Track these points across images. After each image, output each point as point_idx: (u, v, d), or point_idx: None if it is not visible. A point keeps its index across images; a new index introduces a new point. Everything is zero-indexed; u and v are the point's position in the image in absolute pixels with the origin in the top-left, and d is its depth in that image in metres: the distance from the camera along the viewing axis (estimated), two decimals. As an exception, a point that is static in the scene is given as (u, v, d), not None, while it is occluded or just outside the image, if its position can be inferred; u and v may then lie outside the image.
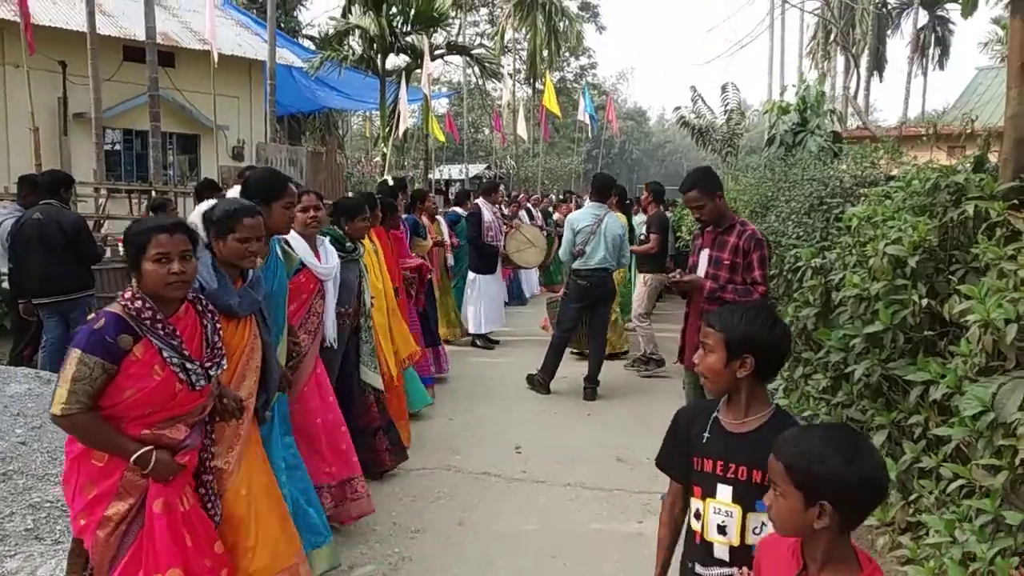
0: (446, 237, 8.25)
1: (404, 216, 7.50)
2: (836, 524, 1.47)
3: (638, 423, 5.79)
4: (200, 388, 2.40)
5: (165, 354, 2.30)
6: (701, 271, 4.20)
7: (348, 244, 4.28)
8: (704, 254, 4.22)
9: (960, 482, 2.95)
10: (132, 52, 14.19)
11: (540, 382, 6.58)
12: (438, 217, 8.34)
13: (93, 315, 2.34)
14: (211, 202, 3.00)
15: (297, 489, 3.24)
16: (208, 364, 2.43)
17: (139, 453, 2.30)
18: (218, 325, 2.55)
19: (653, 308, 7.68)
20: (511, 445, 5.22)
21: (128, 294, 2.34)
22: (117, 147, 16.04)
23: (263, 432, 3.04)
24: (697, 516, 1.98)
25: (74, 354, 2.21)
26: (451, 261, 8.50)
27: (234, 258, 2.77)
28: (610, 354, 7.48)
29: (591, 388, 6.48)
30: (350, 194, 9.09)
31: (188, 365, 2.34)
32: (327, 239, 3.98)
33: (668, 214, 8.72)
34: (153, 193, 9.77)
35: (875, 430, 3.68)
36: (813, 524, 1.48)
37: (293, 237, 3.55)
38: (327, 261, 3.79)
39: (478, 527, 3.97)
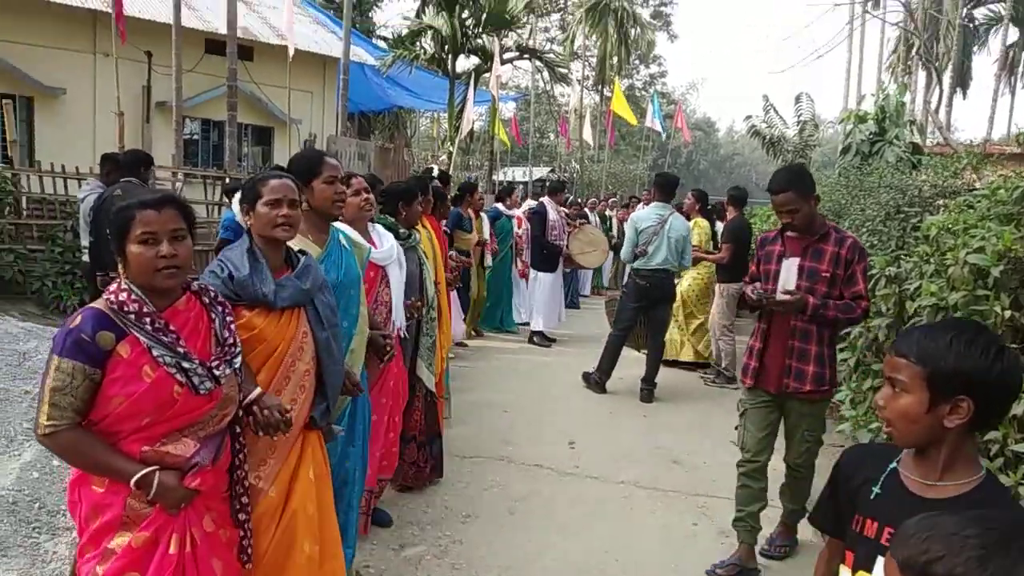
0: (486, 235, 8.12)
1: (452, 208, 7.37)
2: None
3: (696, 427, 5.68)
4: (207, 392, 2.01)
5: (155, 352, 1.94)
6: (790, 284, 3.48)
7: (402, 231, 3.94)
8: (790, 264, 3.53)
9: (1041, 501, 2.79)
10: (213, 45, 14.67)
11: (596, 381, 6.53)
12: (482, 214, 8.20)
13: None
14: None
15: (343, 506, 2.98)
16: (215, 363, 2.04)
17: (139, 475, 1.93)
18: (229, 318, 2.18)
19: (734, 320, 7.34)
20: (565, 440, 5.18)
21: (113, 286, 2.00)
22: (195, 137, 16.59)
23: (328, 447, 2.74)
24: None
25: (52, 361, 1.90)
26: (488, 261, 8.26)
27: (265, 228, 2.45)
28: (696, 362, 7.46)
29: (648, 389, 6.40)
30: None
31: (185, 364, 1.97)
32: (378, 225, 3.72)
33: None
34: (227, 180, 10.07)
35: (948, 445, 3.53)
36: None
37: (342, 227, 3.20)
38: (382, 245, 3.52)
39: (529, 517, 3.96)
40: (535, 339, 8.47)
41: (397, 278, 3.55)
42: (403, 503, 4.00)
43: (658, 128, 20.46)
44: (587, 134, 23.86)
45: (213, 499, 2.14)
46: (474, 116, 18.85)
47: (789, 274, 3.50)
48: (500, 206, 8.97)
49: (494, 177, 20.53)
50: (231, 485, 2.22)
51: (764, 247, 3.74)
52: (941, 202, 5.46)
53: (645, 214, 6.55)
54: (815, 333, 3.47)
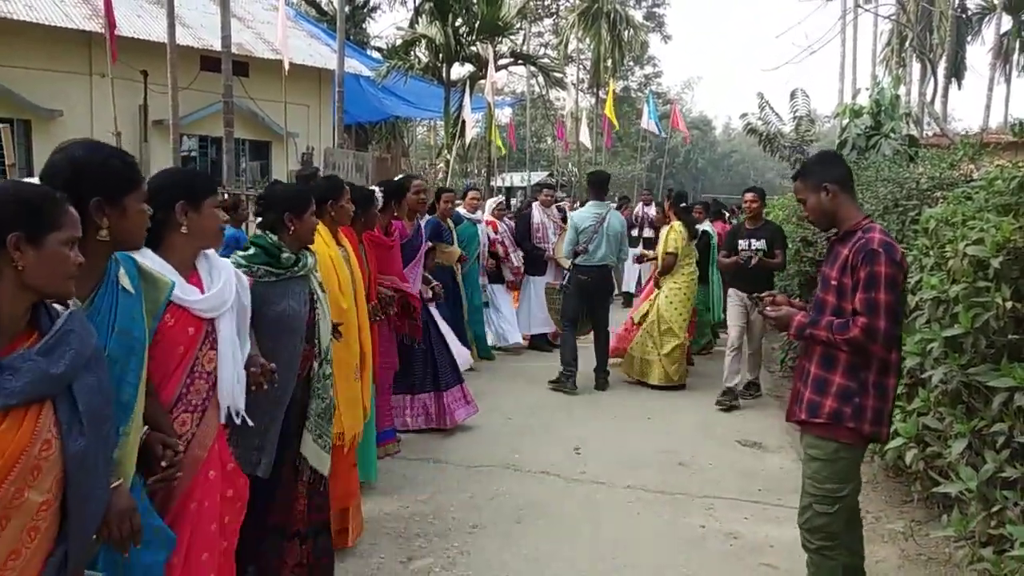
0: (456, 243, 7.16)
1: (427, 217, 6.42)
2: None
3: (701, 430, 5.67)
4: None
5: None
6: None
7: (285, 255, 2.87)
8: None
9: (1048, 493, 2.77)
10: (209, 62, 14.73)
11: (564, 378, 6.59)
12: (449, 221, 7.13)
13: None
14: None
15: None
16: None
17: None
18: None
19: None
20: (570, 446, 5.17)
21: None
22: (193, 153, 16.64)
23: None
24: None
25: None
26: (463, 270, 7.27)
27: (52, 280, 1.50)
28: (669, 385, 6.76)
29: (602, 376, 6.70)
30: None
31: None
32: (209, 252, 2.34)
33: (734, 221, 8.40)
34: (226, 196, 10.08)
35: (954, 438, 3.51)
36: None
37: (148, 255, 2.08)
38: (213, 284, 2.24)
39: (536, 525, 3.94)
40: (537, 342, 8.42)
41: (229, 336, 2.26)
42: (409, 515, 3.99)
43: (654, 129, 20.48)
44: (584, 137, 23.90)
45: None
46: (471, 123, 18.88)
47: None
48: (461, 210, 7.70)
49: (492, 183, 20.55)
50: None
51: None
52: (939, 194, 5.45)
53: (585, 214, 6.90)
54: (819, 352, 2.88)
